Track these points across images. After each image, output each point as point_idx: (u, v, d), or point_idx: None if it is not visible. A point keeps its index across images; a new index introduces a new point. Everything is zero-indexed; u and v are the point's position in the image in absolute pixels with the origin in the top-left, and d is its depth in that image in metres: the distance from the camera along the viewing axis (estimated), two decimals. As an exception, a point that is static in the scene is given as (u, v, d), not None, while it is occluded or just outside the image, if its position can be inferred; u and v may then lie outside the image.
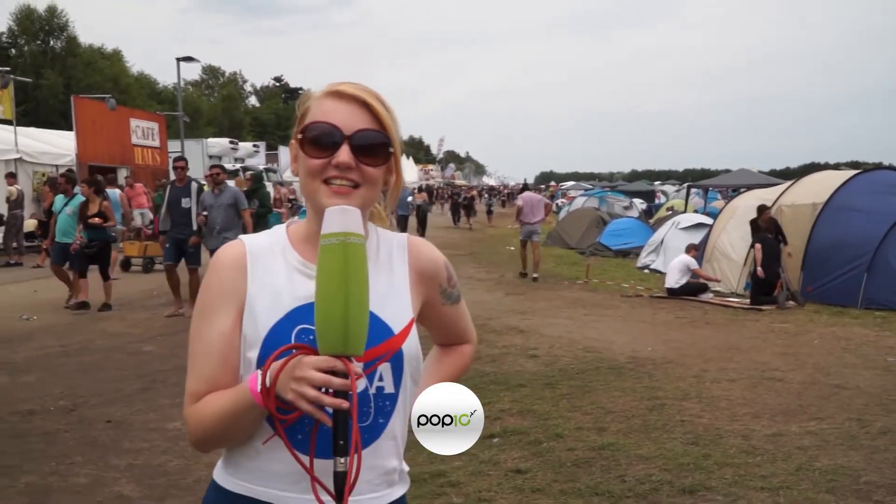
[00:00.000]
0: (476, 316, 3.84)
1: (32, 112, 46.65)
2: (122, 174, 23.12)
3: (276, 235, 1.77)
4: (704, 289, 13.96)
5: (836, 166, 29.48)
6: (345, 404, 1.43)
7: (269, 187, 21.58)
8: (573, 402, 6.95)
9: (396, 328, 1.68)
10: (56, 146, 23.78)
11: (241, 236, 1.79)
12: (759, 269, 12.97)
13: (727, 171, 37.77)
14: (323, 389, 1.43)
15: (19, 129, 22.60)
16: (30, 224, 20.08)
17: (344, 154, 1.61)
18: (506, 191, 77.56)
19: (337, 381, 1.43)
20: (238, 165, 35.47)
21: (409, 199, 24.54)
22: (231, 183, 13.91)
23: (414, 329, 1.73)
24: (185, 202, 11.24)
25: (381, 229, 1.83)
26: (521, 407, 6.72)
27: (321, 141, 1.64)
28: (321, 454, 1.52)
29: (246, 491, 1.66)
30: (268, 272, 1.68)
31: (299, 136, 1.68)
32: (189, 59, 32.30)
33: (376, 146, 1.66)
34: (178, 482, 5.16)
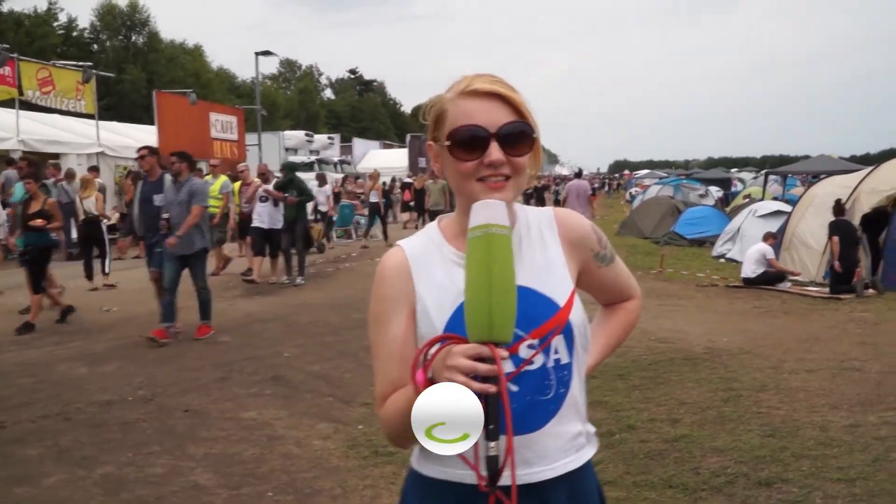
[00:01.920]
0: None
1: (115, 107, 47.77)
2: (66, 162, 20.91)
3: (430, 234, 1.85)
4: (782, 278, 13.64)
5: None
6: (492, 389, 1.47)
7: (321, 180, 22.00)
8: (646, 393, 6.88)
9: (561, 301, 1.73)
10: (138, 140, 24.24)
11: (399, 241, 1.86)
12: (836, 262, 12.73)
13: (806, 157, 36.85)
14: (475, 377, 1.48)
15: (101, 123, 23.19)
16: (112, 216, 20.56)
17: (495, 152, 1.66)
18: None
19: (483, 366, 1.47)
20: (313, 157, 35.99)
21: None
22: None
23: (577, 298, 1.77)
24: (157, 199, 9.61)
25: (528, 207, 1.88)
26: (592, 398, 6.56)
27: (470, 143, 1.68)
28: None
29: (442, 475, 1.74)
30: (430, 270, 1.77)
31: (447, 142, 1.71)
32: (267, 53, 32.79)
33: (521, 136, 1.70)
34: (254, 471, 5.25)
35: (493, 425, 1.48)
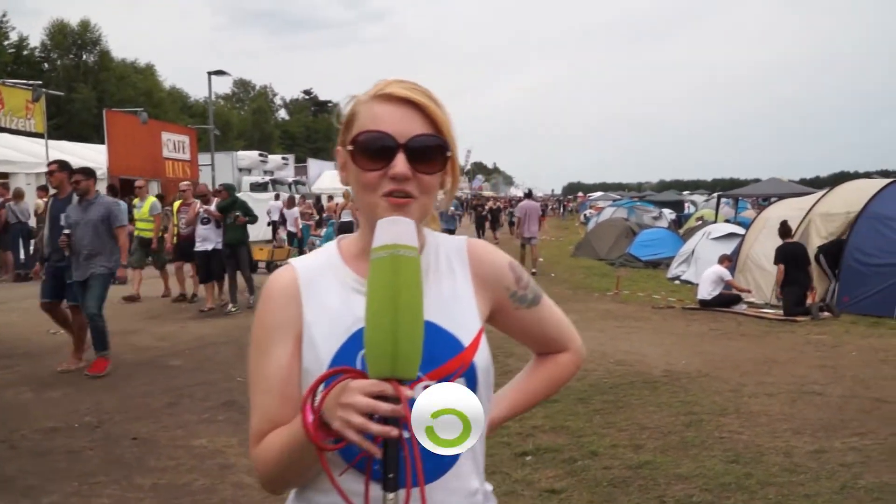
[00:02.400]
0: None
1: (65, 126, 47.26)
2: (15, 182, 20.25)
3: (328, 254, 1.66)
4: (738, 300, 13.71)
5: (868, 175, 29.06)
6: (394, 432, 1.29)
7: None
8: (607, 417, 6.79)
9: (466, 340, 1.55)
10: (88, 159, 23.84)
11: (291, 260, 1.66)
12: (778, 289, 13.03)
13: (756, 180, 37.31)
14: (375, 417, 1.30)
15: (51, 142, 22.77)
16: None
17: (400, 164, 1.47)
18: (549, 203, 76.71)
19: (385, 406, 1.29)
20: (268, 178, 35.70)
21: (452, 208, 23.24)
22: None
23: (484, 339, 1.59)
24: (62, 219, 8.62)
25: (440, 234, 1.70)
26: (553, 423, 6.56)
27: (374, 151, 1.50)
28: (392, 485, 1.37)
29: None
30: (323, 295, 1.57)
31: (349, 146, 1.54)
32: (220, 72, 32.47)
33: (433, 152, 1.52)
34: (204, 501, 5.06)
35: (393, 474, 1.32)
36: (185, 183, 15.96)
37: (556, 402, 7.15)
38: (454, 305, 1.59)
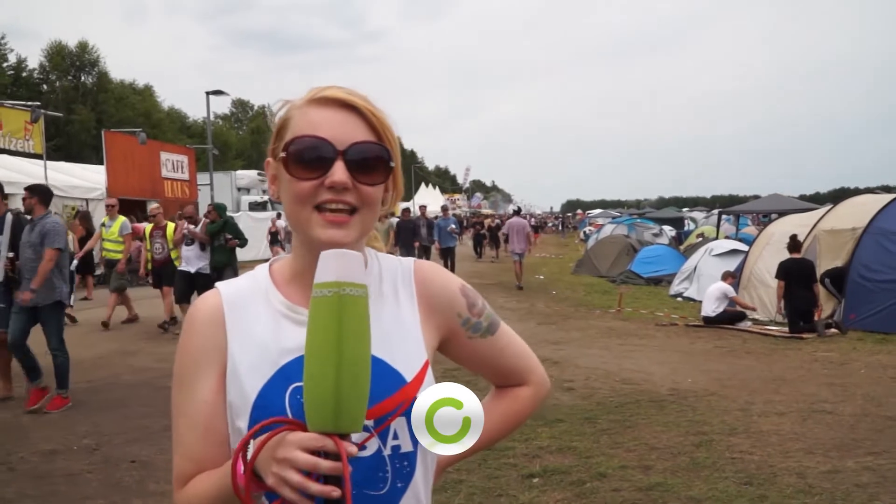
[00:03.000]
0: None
1: (64, 147, 47.29)
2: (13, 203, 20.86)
3: (258, 277, 1.50)
4: (742, 317, 13.61)
5: (870, 190, 29.02)
6: (335, 493, 1.14)
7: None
8: (615, 437, 6.66)
9: (409, 375, 1.41)
10: (86, 180, 23.88)
11: (218, 283, 1.51)
12: (779, 304, 13.08)
13: (755, 196, 37.34)
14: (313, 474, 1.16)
15: (49, 163, 22.71)
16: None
17: (339, 172, 1.33)
18: (532, 220, 76.61)
19: (326, 464, 1.14)
20: (266, 197, 35.63)
21: (452, 226, 22.92)
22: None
23: (429, 373, 1.45)
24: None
25: (383, 255, 1.56)
26: (560, 444, 6.44)
27: (309, 158, 1.35)
28: None
29: None
30: (250, 322, 1.43)
31: (281, 153, 1.38)
32: (218, 92, 32.43)
33: (375, 161, 1.38)
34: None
35: None
36: (155, 206, 14.79)
37: (561, 422, 7.05)
38: (396, 336, 1.45)
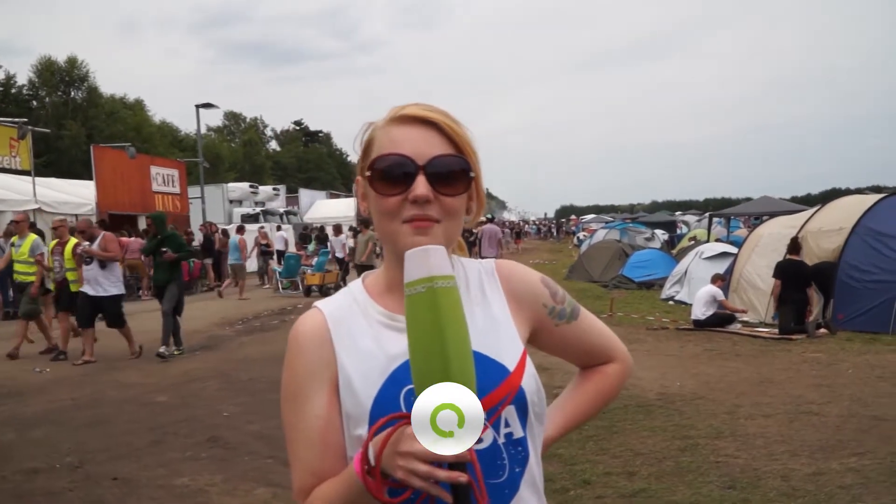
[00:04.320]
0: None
1: (55, 163, 47.12)
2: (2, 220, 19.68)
3: (354, 292, 1.57)
4: (732, 319, 13.59)
5: (860, 191, 29.05)
6: (463, 477, 1.20)
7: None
8: (600, 443, 6.63)
9: (511, 365, 1.47)
10: (76, 195, 23.86)
11: (317, 303, 1.58)
12: (774, 302, 13.06)
13: (748, 199, 37.32)
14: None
15: (38, 179, 22.67)
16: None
17: (421, 186, 1.40)
18: (521, 226, 76.38)
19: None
20: (258, 209, 35.62)
21: None
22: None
23: (529, 361, 1.51)
24: None
25: (465, 259, 1.62)
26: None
27: (392, 175, 1.42)
28: None
29: None
30: (354, 336, 1.49)
31: (367, 172, 1.46)
32: (208, 105, 32.47)
33: (455, 173, 1.44)
34: (184, 543, 4.90)
35: None
36: (59, 218, 13.73)
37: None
38: (492, 331, 1.51)
